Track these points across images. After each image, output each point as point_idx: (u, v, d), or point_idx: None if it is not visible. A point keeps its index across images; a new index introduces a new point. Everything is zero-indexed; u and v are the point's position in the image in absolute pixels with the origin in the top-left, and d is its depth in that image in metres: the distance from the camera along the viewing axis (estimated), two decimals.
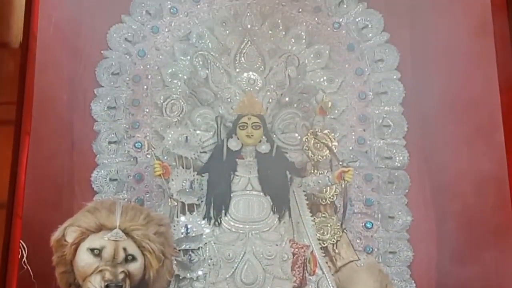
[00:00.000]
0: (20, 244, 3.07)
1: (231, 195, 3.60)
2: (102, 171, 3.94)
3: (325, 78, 4.12)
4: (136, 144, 3.95)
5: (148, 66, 4.07)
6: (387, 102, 4.11)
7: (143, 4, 4.13)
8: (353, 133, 4.08)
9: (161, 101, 3.95)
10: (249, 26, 4.12)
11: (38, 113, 3.20)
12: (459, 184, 3.77)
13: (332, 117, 4.03)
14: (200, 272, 3.42)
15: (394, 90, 4.11)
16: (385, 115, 4.10)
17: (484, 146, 3.47)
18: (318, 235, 3.66)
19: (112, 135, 3.98)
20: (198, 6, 4.15)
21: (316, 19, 4.18)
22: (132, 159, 3.97)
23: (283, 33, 4.14)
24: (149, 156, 3.84)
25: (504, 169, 3.22)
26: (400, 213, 3.99)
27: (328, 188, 3.75)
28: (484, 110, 3.46)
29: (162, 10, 4.12)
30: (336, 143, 3.80)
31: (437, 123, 4.03)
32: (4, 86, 3.03)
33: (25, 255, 3.09)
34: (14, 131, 2.96)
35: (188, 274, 3.41)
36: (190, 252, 3.44)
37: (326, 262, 3.62)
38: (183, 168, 3.61)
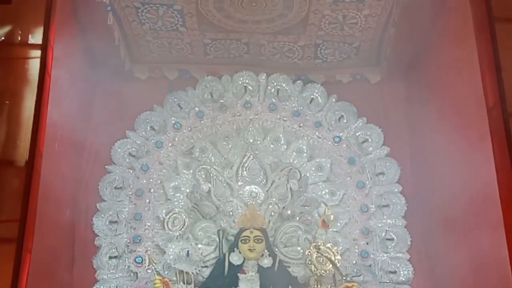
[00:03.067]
0: None
1: None
2: (102, 287, 3.90)
3: (326, 191, 4.15)
4: (136, 259, 3.91)
5: (151, 180, 4.12)
6: (390, 215, 4.11)
7: (147, 120, 4.26)
8: (356, 247, 4.04)
9: (163, 215, 3.96)
10: (251, 140, 4.21)
11: (40, 230, 3.19)
12: None
13: (334, 230, 4.02)
14: None
15: (396, 203, 4.11)
16: (388, 228, 4.08)
17: (489, 259, 3.41)
18: None
19: (113, 250, 3.96)
20: (202, 122, 4.26)
21: (317, 133, 4.27)
22: (132, 275, 3.93)
23: (285, 147, 4.22)
24: (149, 271, 3.79)
25: (510, 285, 3.15)
26: None
27: None
28: (486, 221, 3.43)
29: (166, 126, 4.23)
30: (339, 257, 3.72)
31: (440, 236, 4.00)
32: (7, 204, 3.04)
33: None
34: (16, 249, 2.94)
35: None
36: None
37: None
38: (184, 283, 3.56)
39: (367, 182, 4.17)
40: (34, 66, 3.30)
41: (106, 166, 4.14)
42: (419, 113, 4.33)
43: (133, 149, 4.19)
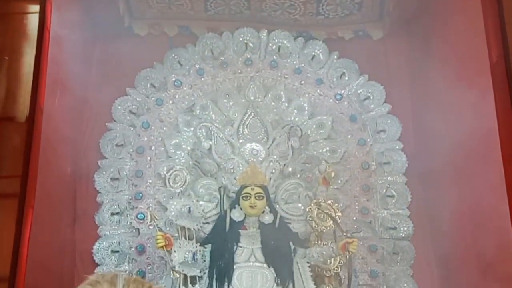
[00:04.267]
0: None
1: (234, 266, 3.55)
2: (104, 242, 3.93)
3: (327, 148, 4.14)
4: (138, 215, 3.94)
5: (152, 138, 4.11)
6: (390, 172, 4.12)
7: (148, 77, 4.23)
8: (356, 203, 4.06)
9: (165, 172, 3.95)
10: (252, 98, 4.18)
11: (42, 186, 3.20)
12: (464, 255, 3.71)
13: (335, 187, 4.03)
14: None
15: (397, 161, 4.12)
16: (388, 185, 4.10)
17: (490, 215, 3.43)
18: None
19: (115, 207, 3.98)
20: (202, 79, 4.23)
21: (318, 90, 4.24)
22: (134, 231, 3.96)
23: (286, 104, 4.19)
24: (151, 227, 3.82)
25: (510, 239, 3.17)
26: (405, 285, 3.94)
27: (333, 259, 3.67)
28: (486, 178, 3.44)
29: (166, 83, 4.20)
30: (339, 214, 3.74)
31: (440, 192, 4.01)
32: (9, 160, 3.05)
33: None
34: (18, 205, 2.96)
35: None
36: None
37: None
38: (186, 239, 3.58)
39: (368, 140, 4.16)
40: (33, 21, 3.26)
41: (106, 124, 4.13)
42: (421, 70, 4.29)
43: (134, 106, 4.18)
